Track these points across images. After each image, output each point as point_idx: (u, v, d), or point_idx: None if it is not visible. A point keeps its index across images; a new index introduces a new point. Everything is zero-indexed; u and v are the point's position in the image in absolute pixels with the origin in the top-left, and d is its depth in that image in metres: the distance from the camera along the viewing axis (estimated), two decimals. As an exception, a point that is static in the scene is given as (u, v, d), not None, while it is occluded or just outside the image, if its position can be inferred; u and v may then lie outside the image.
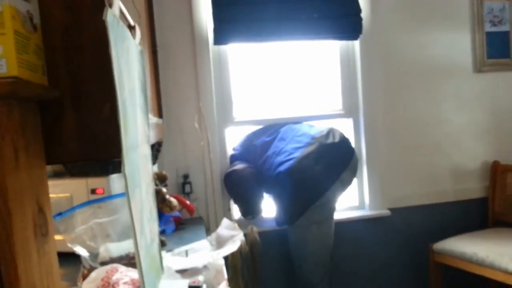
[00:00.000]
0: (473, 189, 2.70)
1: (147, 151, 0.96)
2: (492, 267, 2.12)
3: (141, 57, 0.98)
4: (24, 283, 0.59)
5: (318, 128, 2.35)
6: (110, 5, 0.69)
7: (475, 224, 2.60)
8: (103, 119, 0.72)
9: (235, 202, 2.36)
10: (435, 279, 2.43)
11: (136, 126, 0.82)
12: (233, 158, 2.41)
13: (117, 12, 0.73)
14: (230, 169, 2.32)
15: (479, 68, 2.67)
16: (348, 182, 2.34)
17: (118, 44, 0.72)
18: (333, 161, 2.23)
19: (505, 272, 2.06)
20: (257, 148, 2.36)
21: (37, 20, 0.72)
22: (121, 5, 0.78)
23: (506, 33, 2.72)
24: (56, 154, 0.74)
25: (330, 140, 2.25)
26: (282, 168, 2.18)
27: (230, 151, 2.45)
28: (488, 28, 2.68)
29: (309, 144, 2.24)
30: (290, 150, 2.23)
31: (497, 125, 2.73)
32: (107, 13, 0.65)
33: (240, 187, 2.29)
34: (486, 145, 2.72)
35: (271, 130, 2.41)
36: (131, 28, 0.92)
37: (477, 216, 2.68)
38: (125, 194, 0.68)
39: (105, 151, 0.73)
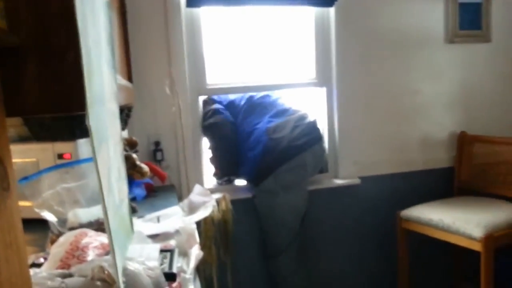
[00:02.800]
0: (441, 158, 2.77)
1: (115, 108, 0.92)
2: (457, 233, 2.19)
3: (108, 9, 0.93)
4: (-18, 238, 0.55)
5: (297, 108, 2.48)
6: None
7: (442, 193, 2.68)
8: (67, 68, 0.68)
9: (213, 158, 2.42)
10: (402, 245, 2.50)
11: (102, 79, 0.78)
12: (214, 105, 2.42)
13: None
14: (212, 120, 2.32)
15: (451, 39, 2.69)
16: (320, 158, 2.40)
17: (81, -11, 0.67)
18: (307, 133, 2.33)
19: (470, 238, 2.14)
20: (240, 106, 2.43)
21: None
22: None
23: (479, 5, 2.74)
24: (16, 105, 0.69)
25: (307, 120, 2.38)
26: (260, 125, 2.30)
27: (201, 119, 2.42)
28: (462, -2, 2.69)
29: (289, 114, 2.37)
30: (272, 115, 2.36)
31: (466, 96, 2.78)
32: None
33: (220, 143, 2.37)
34: (455, 116, 2.78)
35: (255, 98, 2.47)
36: (97, -24, 0.86)
37: (444, 184, 2.75)
38: (91, 147, 0.65)
39: (69, 103, 0.69)
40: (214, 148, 2.41)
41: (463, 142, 2.72)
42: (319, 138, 2.40)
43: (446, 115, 2.76)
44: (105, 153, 0.76)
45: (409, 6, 2.61)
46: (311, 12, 2.51)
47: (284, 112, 2.41)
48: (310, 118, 2.41)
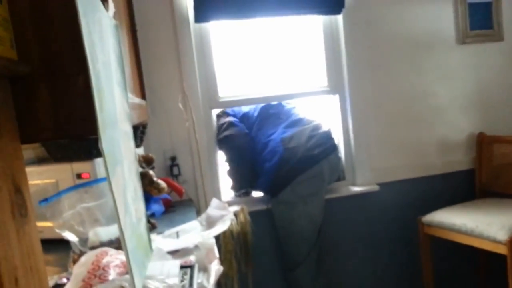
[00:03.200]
0: (460, 161, 2.72)
1: (128, 128, 0.93)
2: (481, 236, 2.14)
3: (116, 31, 0.94)
4: (3, 265, 0.56)
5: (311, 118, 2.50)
6: (78, -27, 0.65)
7: (462, 196, 2.63)
8: (77, 93, 0.69)
9: (229, 171, 2.43)
10: (425, 251, 2.46)
11: (114, 101, 0.79)
12: (228, 118, 2.43)
13: (86, -19, 0.69)
14: (227, 133, 2.34)
15: (462, 39, 2.65)
16: (335, 167, 2.41)
17: (88, 14, 0.69)
18: (322, 143, 2.33)
19: (494, 241, 2.09)
20: (254, 118, 2.45)
21: (2, -9, 0.68)
22: (91, -26, 0.74)
23: (488, 4, 2.70)
24: (31, 132, 0.71)
25: (322, 129, 2.39)
26: (274, 136, 2.31)
27: (216, 133, 2.43)
28: (471, -1, 2.66)
29: (303, 124, 2.39)
30: (286, 125, 2.38)
31: (482, 96, 2.73)
32: (75, -19, 0.62)
33: (236, 156, 2.38)
34: (471, 117, 2.73)
35: (269, 108, 2.49)
36: (103, 0, 0.88)
37: (464, 187, 2.70)
38: (105, 170, 0.66)
39: (81, 128, 0.70)
40: (230, 161, 2.42)
41: (482, 143, 2.67)
42: (334, 147, 2.40)
43: (462, 116, 2.72)
44: (120, 174, 0.77)
45: (418, 9, 2.59)
46: (319, 20, 2.51)
47: (298, 122, 2.41)
48: (325, 128, 2.42)
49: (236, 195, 2.50)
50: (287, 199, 2.24)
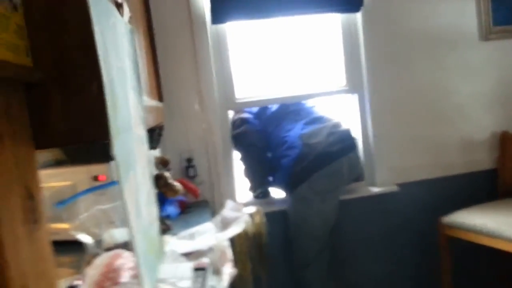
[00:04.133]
0: (482, 160, 2.65)
1: (142, 133, 0.93)
2: (502, 237, 2.09)
3: (131, 36, 0.95)
4: (14, 271, 0.57)
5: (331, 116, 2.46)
6: (90, -21, 0.65)
7: (484, 196, 2.56)
8: (91, 99, 0.69)
9: (244, 170, 2.43)
10: (445, 252, 2.41)
11: (128, 106, 0.79)
12: (244, 119, 2.42)
13: (99, -13, 0.69)
14: (239, 130, 2.35)
15: (485, 36, 2.59)
16: (355, 166, 2.37)
17: (102, 21, 0.69)
18: (342, 141, 2.30)
19: (516, 242, 2.03)
20: (272, 113, 2.43)
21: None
22: (104, -20, 0.75)
23: (512, -1, 2.63)
24: (45, 138, 0.72)
25: (341, 127, 2.37)
26: (293, 132, 2.30)
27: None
28: (494, -6, 2.59)
29: (323, 122, 2.36)
30: (305, 122, 2.36)
31: (506, 94, 2.66)
32: (87, -13, 0.62)
33: (249, 153, 2.38)
34: (495, 115, 2.66)
35: (289, 104, 2.48)
36: (119, 6, 0.89)
37: (486, 187, 2.63)
38: (118, 176, 0.66)
39: (96, 133, 0.71)
40: (243, 159, 2.42)
41: (506, 142, 2.61)
42: (354, 146, 2.36)
43: (485, 115, 2.65)
44: (132, 179, 0.77)
45: (439, 5, 2.54)
46: (338, 18, 2.48)
47: (317, 119, 2.39)
48: (345, 126, 2.39)
49: (254, 196, 2.49)
50: (303, 195, 2.22)
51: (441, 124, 2.60)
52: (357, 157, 2.40)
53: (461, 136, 2.63)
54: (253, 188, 2.48)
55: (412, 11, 2.51)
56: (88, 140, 0.71)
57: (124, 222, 1.37)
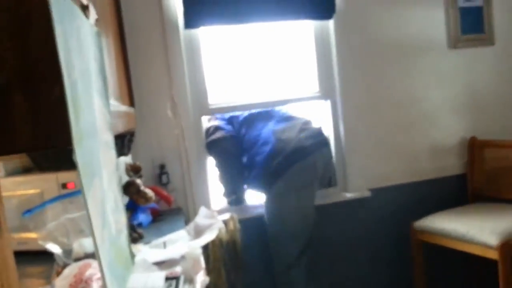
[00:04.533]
0: (452, 165, 2.71)
1: (108, 138, 0.91)
2: (472, 241, 2.14)
3: (97, 38, 0.92)
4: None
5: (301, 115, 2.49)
6: (52, -21, 0.63)
7: (455, 201, 2.62)
8: (53, 103, 0.67)
9: (219, 176, 2.41)
10: (417, 257, 2.44)
11: (93, 111, 0.77)
12: (217, 127, 2.41)
13: (61, -12, 0.67)
14: (214, 137, 2.33)
15: (454, 44, 2.66)
16: (328, 162, 2.38)
17: (65, 22, 0.67)
18: (314, 136, 2.32)
19: (485, 246, 2.08)
20: (244, 117, 2.44)
21: (-25, 0, 0.66)
22: (68, -19, 0.72)
23: (479, 8, 2.71)
24: (6, 144, 0.69)
25: (312, 124, 2.39)
26: (266, 129, 2.31)
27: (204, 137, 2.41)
28: (462, 3, 2.66)
29: (294, 120, 2.39)
30: (277, 120, 2.38)
31: (473, 100, 2.74)
32: (48, -13, 0.60)
33: (223, 159, 2.36)
34: (463, 121, 2.73)
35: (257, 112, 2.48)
36: (84, 8, 0.86)
37: (456, 192, 2.69)
38: (80, 183, 0.64)
39: (57, 139, 0.68)
40: (218, 165, 2.40)
41: (474, 148, 2.67)
42: (326, 142, 2.38)
43: (454, 121, 2.72)
44: (98, 186, 0.74)
45: (409, 14, 2.59)
46: (311, 25, 2.50)
47: (289, 118, 2.40)
48: (315, 124, 2.41)
49: (228, 202, 2.47)
50: (280, 192, 2.22)
51: (411, 130, 2.64)
52: (330, 153, 2.42)
53: (431, 141, 2.68)
54: (227, 194, 2.46)
55: (383, 20, 2.56)
56: (50, 146, 0.69)
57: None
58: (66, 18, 0.67)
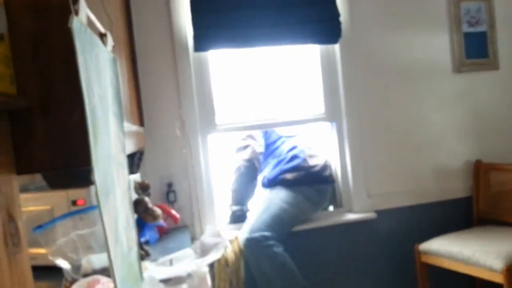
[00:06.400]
0: (457, 188, 2.72)
1: (122, 159, 0.95)
2: (477, 265, 2.13)
3: (114, 64, 0.98)
4: (-8, 295, 0.58)
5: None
6: (76, 13, 0.69)
7: (460, 224, 2.62)
8: (73, 126, 0.72)
9: (232, 184, 2.54)
10: (422, 279, 2.44)
11: (109, 133, 0.81)
12: (250, 135, 2.57)
13: (84, 19, 0.73)
14: (247, 142, 2.53)
15: (458, 68, 2.70)
16: (331, 197, 2.57)
17: (86, 51, 0.72)
18: (330, 171, 2.53)
19: (490, 269, 2.07)
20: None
21: (3, 29, 0.72)
22: (89, 12, 0.78)
23: (483, 33, 2.76)
24: (26, 164, 0.73)
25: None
26: (297, 148, 2.52)
27: (213, 158, 2.45)
28: (466, 28, 2.71)
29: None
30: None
31: (478, 124, 2.76)
32: (73, 20, 0.65)
33: (244, 167, 2.48)
34: (468, 145, 2.75)
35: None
36: (102, 35, 0.92)
37: (462, 215, 2.69)
38: (97, 201, 0.68)
39: (77, 160, 0.73)
40: (236, 171, 2.49)
41: (479, 171, 2.68)
42: (333, 180, 2.56)
43: (459, 144, 2.74)
44: (112, 203, 0.78)
45: (414, 38, 2.64)
46: (317, 48, 2.56)
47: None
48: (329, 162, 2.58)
49: (230, 216, 2.48)
50: (290, 194, 2.37)
51: (417, 153, 2.66)
52: (333, 190, 2.59)
53: (436, 164, 2.70)
54: (233, 203, 2.49)
55: (388, 44, 2.61)
56: (69, 167, 0.73)
57: (103, 247, 1.37)
58: (87, 47, 0.72)
